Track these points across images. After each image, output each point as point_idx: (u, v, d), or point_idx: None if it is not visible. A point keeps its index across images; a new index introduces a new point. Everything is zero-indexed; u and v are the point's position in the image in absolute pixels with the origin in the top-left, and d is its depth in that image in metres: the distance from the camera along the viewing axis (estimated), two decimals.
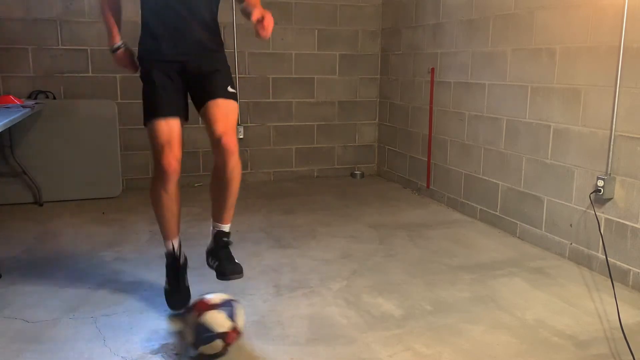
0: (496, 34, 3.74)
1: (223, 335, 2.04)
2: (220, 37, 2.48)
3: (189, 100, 2.44)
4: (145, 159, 4.80)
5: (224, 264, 2.40)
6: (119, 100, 4.56)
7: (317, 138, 5.34)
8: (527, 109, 3.50)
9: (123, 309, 2.53)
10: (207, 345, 2.05)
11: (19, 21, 4.34)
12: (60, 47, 4.46)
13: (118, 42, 2.38)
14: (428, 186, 4.63)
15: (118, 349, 2.18)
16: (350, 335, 2.32)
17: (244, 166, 5.10)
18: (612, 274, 2.85)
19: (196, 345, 2.07)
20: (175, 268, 2.50)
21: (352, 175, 5.44)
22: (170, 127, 2.30)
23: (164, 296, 2.56)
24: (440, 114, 4.44)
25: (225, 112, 2.30)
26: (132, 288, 2.76)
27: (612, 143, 2.90)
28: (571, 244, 3.22)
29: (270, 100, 5.09)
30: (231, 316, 2.06)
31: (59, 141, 4.28)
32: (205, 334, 2.03)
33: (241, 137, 4.95)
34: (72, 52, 4.49)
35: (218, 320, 2.04)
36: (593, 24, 2.99)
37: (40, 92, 4.39)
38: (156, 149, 2.30)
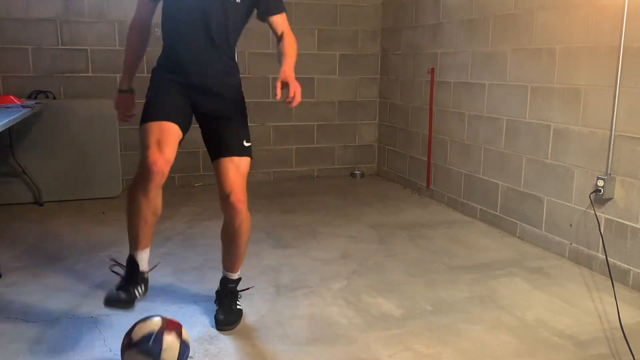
0: (496, 34, 3.74)
1: (164, 328, 1.93)
2: (238, 73, 2.40)
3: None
4: None
5: (219, 313, 2.42)
6: None
7: (317, 138, 5.34)
8: (527, 109, 3.50)
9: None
10: (163, 351, 1.91)
11: (19, 21, 4.34)
12: (60, 47, 4.46)
13: (127, 87, 2.41)
14: (428, 186, 4.63)
15: (118, 349, 2.18)
16: (350, 335, 2.32)
17: None
18: (612, 274, 2.85)
19: None
20: (133, 275, 2.23)
21: (352, 175, 5.44)
22: (163, 128, 2.16)
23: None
24: (440, 114, 4.44)
25: (237, 171, 2.28)
26: None
27: (612, 143, 2.90)
28: (571, 244, 3.22)
29: (270, 100, 5.09)
30: (153, 357, 1.89)
31: (59, 141, 4.27)
32: (149, 344, 1.90)
33: None
34: (72, 52, 4.49)
35: (147, 325, 1.95)
36: (593, 24, 2.99)
37: (40, 92, 4.39)
38: (144, 148, 2.14)
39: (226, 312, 2.42)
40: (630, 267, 2.85)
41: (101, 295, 2.65)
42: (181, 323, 2.03)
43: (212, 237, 3.48)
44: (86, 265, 3.05)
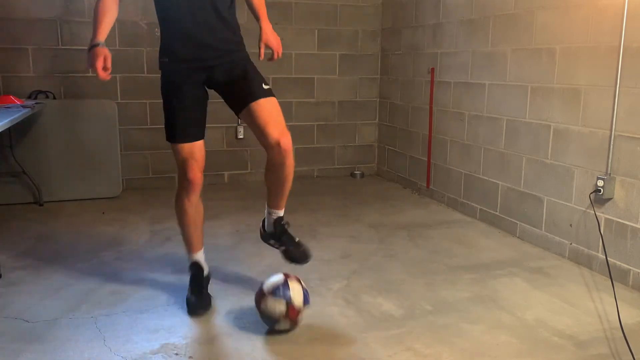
0: (496, 34, 3.74)
1: (284, 315, 2.26)
2: (240, 34, 2.50)
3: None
4: (145, 159, 4.80)
5: (291, 251, 2.62)
6: (119, 100, 4.56)
7: (317, 138, 5.34)
8: (527, 109, 3.50)
9: (123, 309, 2.53)
10: (277, 325, 2.30)
11: (19, 21, 4.34)
12: (60, 47, 4.46)
13: (100, 39, 2.24)
14: (428, 186, 4.63)
15: (118, 349, 2.18)
16: (350, 335, 2.32)
17: (244, 166, 5.10)
18: (612, 274, 2.85)
19: (270, 327, 2.32)
20: (199, 278, 2.59)
21: (352, 175, 5.44)
22: (192, 144, 2.42)
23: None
24: (440, 114, 4.44)
25: (272, 113, 2.36)
26: (132, 288, 2.76)
27: (612, 143, 2.90)
28: (571, 244, 3.22)
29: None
30: (286, 298, 2.26)
31: (59, 141, 4.28)
32: (269, 320, 2.30)
33: (241, 137, 4.95)
34: (72, 52, 4.49)
35: (275, 306, 2.26)
36: (593, 24, 2.99)
37: (40, 92, 4.39)
38: (181, 163, 2.43)
39: (296, 245, 2.62)
40: (630, 267, 2.85)
41: (101, 295, 2.67)
42: (305, 303, 2.32)
43: (212, 237, 3.48)
44: (86, 265, 3.05)
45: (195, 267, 2.60)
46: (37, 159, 4.25)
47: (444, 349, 2.22)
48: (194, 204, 2.50)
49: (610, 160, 2.92)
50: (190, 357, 2.14)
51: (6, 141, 4.16)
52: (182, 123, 2.41)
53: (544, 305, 2.63)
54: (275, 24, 2.77)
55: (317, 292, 2.74)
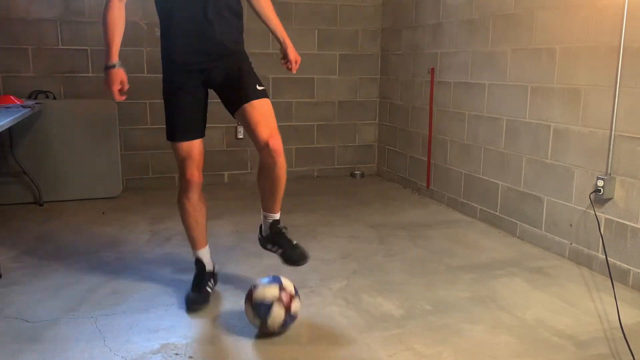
0: (496, 34, 3.74)
1: (277, 299, 2.21)
2: (242, 32, 2.51)
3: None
4: (145, 159, 4.80)
5: (288, 252, 2.63)
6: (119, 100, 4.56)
7: (317, 138, 5.34)
8: (527, 109, 3.50)
9: (123, 309, 2.53)
10: (270, 317, 2.20)
11: (19, 21, 4.34)
12: (60, 47, 4.46)
13: (115, 60, 2.24)
14: (428, 186, 4.63)
15: (118, 349, 2.18)
16: (350, 335, 2.32)
17: (244, 166, 5.10)
18: (612, 274, 2.85)
19: (263, 324, 2.23)
20: (200, 275, 2.64)
21: (352, 175, 5.44)
22: (190, 144, 2.46)
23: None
24: (440, 114, 4.44)
25: (263, 114, 2.38)
26: (132, 288, 2.76)
27: (612, 143, 2.90)
28: (571, 244, 3.22)
29: (270, 100, 5.07)
30: (278, 284, 2.27)
31: (59, 141, 4.28)
32: (261, 308, 2.21)
33: (241, 137, 4.95)
34: (72, 52, 4.49)
35: (266, 291, 2.23)
36: (593, 24, 2.99)
37: (40, 92, 4.39)
38: (179, 162, 2.49)
39: (293, 247, 2.62)
40: (630, 267, 2.85)
41: (101, 295, 2.68)
42: (297, 295, 2.30)
43: (212, 237, 3.47)
44: (86, 265, 3.05)
45: (199, 264, 2.66)
46: (37, 159, 4.25)
47: (444, 349, 2.22)
48: (194, 203, 2.56)
49: (610, 160, 2.92)
50: (190, 357, 2.14)
51: (6, 141, 4.16)
52: (180, 122, 2.45)
53: (544, 305, 2.63)
54: None
55: (317, 292, 2.74)
